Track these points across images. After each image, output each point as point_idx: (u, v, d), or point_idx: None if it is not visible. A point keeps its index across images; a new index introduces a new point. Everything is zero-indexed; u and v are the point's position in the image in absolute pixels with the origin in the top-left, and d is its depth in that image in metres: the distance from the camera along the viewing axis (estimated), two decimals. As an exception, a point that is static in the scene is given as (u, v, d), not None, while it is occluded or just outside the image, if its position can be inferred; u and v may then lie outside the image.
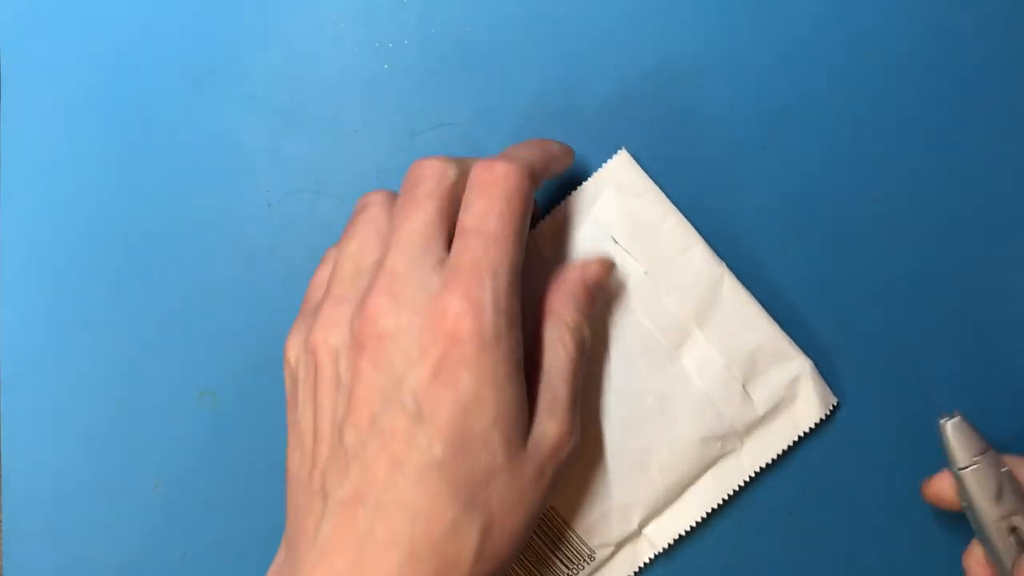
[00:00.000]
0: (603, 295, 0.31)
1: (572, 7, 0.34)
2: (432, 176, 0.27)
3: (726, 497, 0.32)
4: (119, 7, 0.35)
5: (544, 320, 0.28)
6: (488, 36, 0.34)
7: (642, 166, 0.32)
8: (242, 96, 0.34)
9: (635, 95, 0.33)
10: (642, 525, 0.31)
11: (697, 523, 0.32)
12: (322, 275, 0.30)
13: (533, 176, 0.27)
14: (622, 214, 0.32)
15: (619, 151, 0.32)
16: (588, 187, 0.32)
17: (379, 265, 0.26)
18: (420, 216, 0.26)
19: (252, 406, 0.34)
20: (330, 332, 0.26)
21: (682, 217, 0.32)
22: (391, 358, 0.25)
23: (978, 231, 0.33)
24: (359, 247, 0.28)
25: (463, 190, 0.27)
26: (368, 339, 0.25)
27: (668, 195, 0.32)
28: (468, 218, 0.26)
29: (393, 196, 0.29)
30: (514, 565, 0.31)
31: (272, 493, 0.34)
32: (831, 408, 0.32)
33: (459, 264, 0.25)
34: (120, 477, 0.34)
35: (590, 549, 0.31)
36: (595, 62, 0.34)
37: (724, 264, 0.32)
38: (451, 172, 0.27)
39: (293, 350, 0.28)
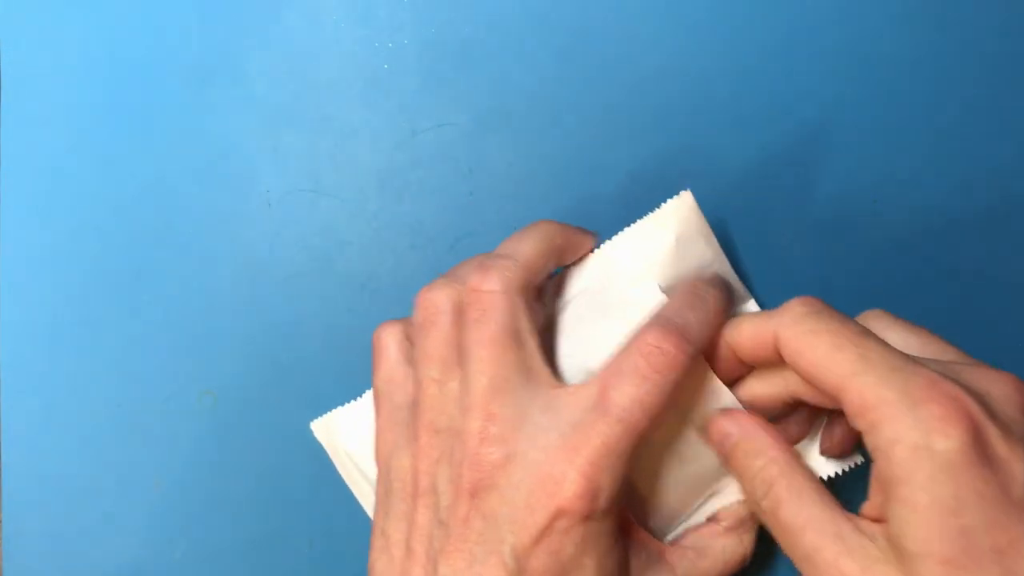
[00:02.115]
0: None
1: (573, 7, 0.34)
2: (496, 306, 0.26)
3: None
4: (119, 7, 0.35)
5: None
6: (488, 36, 0.34)
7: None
8: (242, 96, 0.34)
9: (635, 94, 0.33)
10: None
11: None
12: (390, 344, 0.29)
13: (695, 354, 0.26)
14: (678, 264, 0.29)
15: (684, 193, 0.29)
16: (647, 228, 0.29)
17: (474, 400, 0.26)
18: (508, 357, 0.26)
19: (252, 406, 0.34)
20: (432, 464, 0.26)
21: (731, 270, 0.30)
22: (497, 511, 0.25)
23: (980, 232, 0.33)
24: (441, 371, 0.27)
25: (535, 294, 0.27)
26: (476, 488, 0.25)
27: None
28: (617, 396, 0.25)
29: (457, 301, 0.27)
30: None
31: (272, 493, 0.34)
32: (854, 465, 0.29)
33: (586, 434, 0.25)
34: (120, 477, 0.34)
35: None
36: (595, 62, 0.34)
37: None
38: (519, 305, 0.26)
39: (385, 456, 0.28)
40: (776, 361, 0.26)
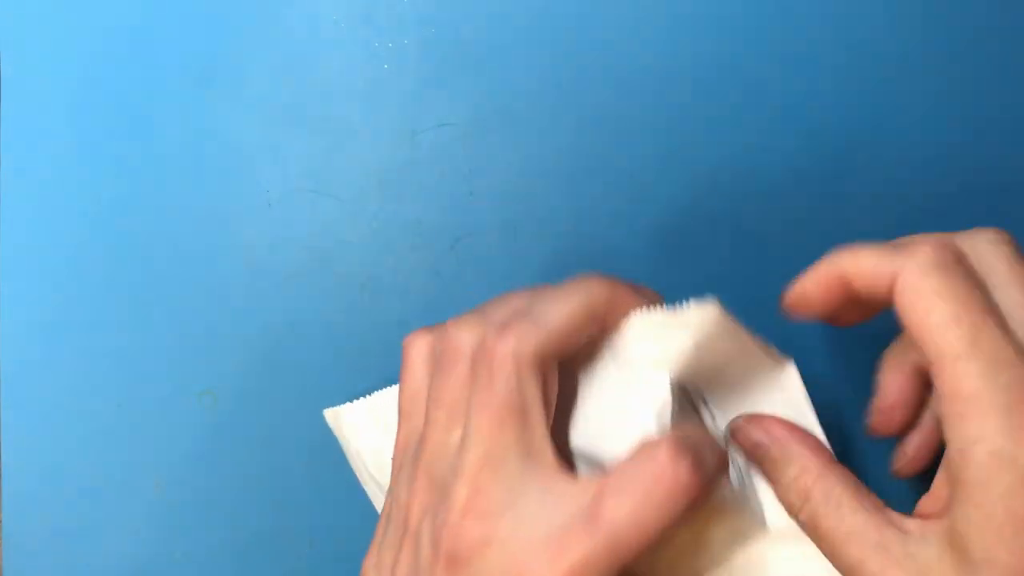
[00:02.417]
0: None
1: (573, 7, 0.34)
2: (504, 373, 0.24)
3: None
4: (119, 7, 0.35)
5: None
6: (488, 36, 0.34)
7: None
8: (242, 96, 0.34)
9: (635, 93, 0.33)
10: None
11: None
12: (412, 384, 0.27)
13: (706, 487, 0.23)
14: (699, 360, 0.26)
15: (710, 305, 0.25)
16: (668, 322, 0.26)
17: (465, 467, 0.24)
18: (507, 433, 0.24)
19: (252, 406, 0.34)
20: (422, 509, 0.25)
21: (761, 353, 0.27)
22: None
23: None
24: (448, 417, 0.25)
25: (556, 363, 0.25)
26: (452, 559, 0.24)
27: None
28: (613, 509, 0.22)
29: (478, 347, 0.25)
30: None
31: (272, 493, 0.34)
32: None
33: (570, 542, 0.23)
34: (120, 477, 0.34)
35: None
36: (596, 62, 0.34)
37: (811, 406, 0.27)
38: (529, 377, 0.24)
39: (395, 475, 0.27)
40: (887, 301, 0.23)
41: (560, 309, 0.25)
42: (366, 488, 0.32)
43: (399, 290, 0.34)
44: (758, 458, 0.26)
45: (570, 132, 0.34)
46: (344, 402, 0.32)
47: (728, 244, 0.33)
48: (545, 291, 0.26)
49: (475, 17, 0.34)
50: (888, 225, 0.33)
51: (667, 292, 0.33)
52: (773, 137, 0.33)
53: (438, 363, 0.26)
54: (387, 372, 0.33)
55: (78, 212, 0.35)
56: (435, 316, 0.34)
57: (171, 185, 0.35)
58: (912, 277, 0.22)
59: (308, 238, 0.34)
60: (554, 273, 0.33)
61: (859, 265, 0.24)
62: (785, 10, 0.33)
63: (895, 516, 0.23)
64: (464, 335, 0.25)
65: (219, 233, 0.34)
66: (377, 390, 0.33)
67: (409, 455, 0.27)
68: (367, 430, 0.32)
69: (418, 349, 0.27)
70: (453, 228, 0.34)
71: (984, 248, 0.24)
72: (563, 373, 0.26)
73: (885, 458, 0.30)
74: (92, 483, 0.34)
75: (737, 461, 0.27)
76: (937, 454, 0.27)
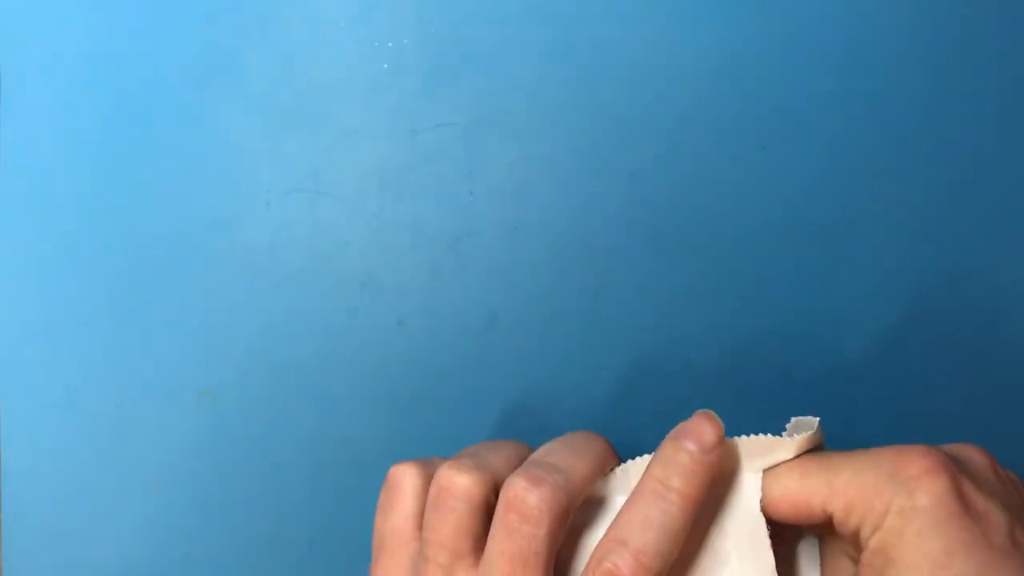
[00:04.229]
0: None
1: (573, 7, 0.34)
2: (535, 522, 0.24)
3: None
4: (119, 7, 0.35)
5: None
6: (488, 36, 0.34)
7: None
8: (242, 96, 0.34)
9: (635, 94, 0.33)
10: None
11: None
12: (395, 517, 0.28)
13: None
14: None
15: (816, 428, 0.25)
16: (765, 447, 0.25)
17: None
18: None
19: (252, 406, 0.34)
20: None
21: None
22: None
23: (980, 230, 0.33)
24: (449, 560, 0.25)
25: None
26: None
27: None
28: None
29: (483, 492, 0.26)
30: None
31: (272, 493, 0.34)
32: None
33: None
34: (120, 477, 0.34)
35: None
36: (596, 62, 0.34)
37: None
38: (555, 528, 0.24)
39: None
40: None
41: (584, 464, 0.26)
42: None
43: (399, 290, 0.34)
44: None
45: (570, 132, 0.34)
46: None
47: (729, 244, 0.33)
48: (554, 444, 0.27)
49: (475, 17, 0.34)
50: (890, 225, 0.33)
51: (667, 292, 0.33)
52: (774, 136, 0.33)
53: (433, 502, 0.26)
54: (387, 372, 0.33)
55: (77, 212, 0.35)
56: (435, 316, 0.34)
57: (171, 185, 0.35)
58: (914, 535, 0.23)
59: (308, 238, 0.34)
60: (554, 273, 0.33)
61: (850, 492, 0.24)
62: (787, 8, 0.33)
63: None
64: (462, 479, 0.25)
65: (219, 233, 0.34)
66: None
67: None
68: None
69: (412, 484, 0.27)
70: (453, 228, 0.34)
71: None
72: None
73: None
74: (92, 483, 0.34)
75: None
76: None
